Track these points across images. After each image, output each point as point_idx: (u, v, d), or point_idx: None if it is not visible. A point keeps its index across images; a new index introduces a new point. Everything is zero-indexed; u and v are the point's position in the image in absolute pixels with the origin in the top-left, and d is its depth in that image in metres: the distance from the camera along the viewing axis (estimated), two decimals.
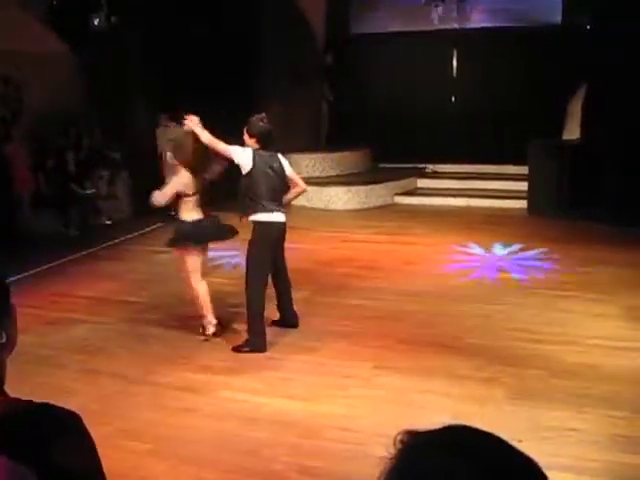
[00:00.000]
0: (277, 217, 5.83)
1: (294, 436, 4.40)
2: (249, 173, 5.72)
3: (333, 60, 13.84)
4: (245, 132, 5.83)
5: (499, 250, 8.83)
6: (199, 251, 6.00)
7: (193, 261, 5.99)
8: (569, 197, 10.51)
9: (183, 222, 5.96)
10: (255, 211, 5.76)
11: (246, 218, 5.85)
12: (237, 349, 5.80)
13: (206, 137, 5.70)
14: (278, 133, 11.18)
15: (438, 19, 13.29)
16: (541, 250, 8.61)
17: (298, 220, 10.63)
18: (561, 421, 4.44)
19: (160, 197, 5.89)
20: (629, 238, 8.80)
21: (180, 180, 5.89)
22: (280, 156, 5.95)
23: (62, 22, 11.00)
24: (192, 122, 5.74)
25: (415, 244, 9.29)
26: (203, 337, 6.09)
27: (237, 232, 6.20)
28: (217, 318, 6.15)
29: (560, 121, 11.64)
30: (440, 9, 13.11)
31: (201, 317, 6.14)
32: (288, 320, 6.25)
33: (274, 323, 6.23)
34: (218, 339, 6.07)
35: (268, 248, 5.79)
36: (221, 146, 5.74)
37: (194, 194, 5.91)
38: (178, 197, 5.91)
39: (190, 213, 5.94)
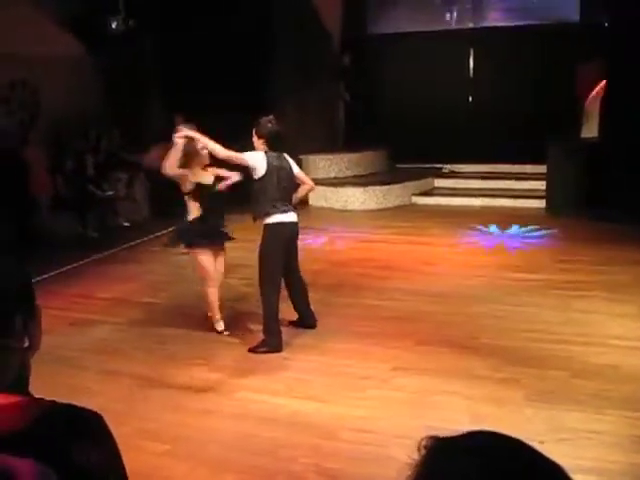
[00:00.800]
0: (290, 217, 5.85)
1: (312, 437, 4.40)
2: (263, 176, 5.74)
3: (350, 60, 13.83)
4: (254, 133, 5.85)
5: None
6: (205, 252, 6.03)
7: (200, 261, 6.06)
8: (588, 196, 10.43)
9: (183, 221, 6.09)
10: (269, 213, 5.77)
11: (260, 220, 5.86)
12: (253, 350, 5.82)
13: (220, 151, 5.75)
14: (292, 134, 11.25)
15: (454, 19, 13.28)
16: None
17: (316, 221, 10.66)
18: (581, 423, 4.40)
19: (168, 166, 5.91)
20: None
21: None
22: (286, 156, 5.98)
23: (80, 25, 11.09)
24: (201, 140, 5.84)
25: (433, 244, 9.27)
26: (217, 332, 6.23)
27: (231, 238, 6.25)
28: (225, 319, 6.26)
29: (578, 120, 11.56)
30: (455, 9, 13.10)
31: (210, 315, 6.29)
32: (305, 321, 6.26)
33: (291, 323, 6.24)
34: (236, 340, 6.09)
35: (281, 248, 5.81)
36: (234, 155, 5.77)
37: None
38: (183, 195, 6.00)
39: (192, 212, 6.01)
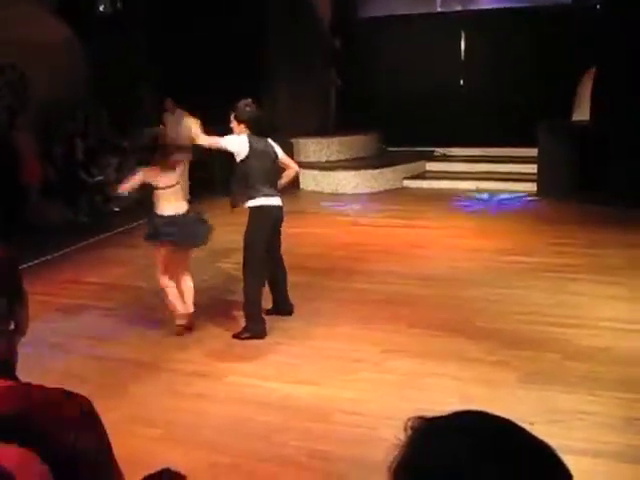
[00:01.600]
0: (275, 201, 5.79)
1: (304, 420, 4.40)
2: (245, 159, 5.68)
3: (340, 44, 13.75)
4: (233, 119, 5.75)
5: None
6: (167, 248, 5.81)
7: (159, 255, 5.89)
8: (579, 179, 10.43)
9: (154, 216, 5.85)
10: (252, 197, 5.72)
11: (240, 206, 5.82)
12: (237, 336, 5.77)
13: (203, 139, 5.80)
14: (284, 118, 11.17)
15: (445, 2, 13.22)
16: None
17: (307, 205, 10.65)
18: (574, 404, 4.42)
19: (123, 187, 5.93)
20: (638, 220, 8.73)
21: (148, 172, 5.79)
22: (270, 140, 5.92)
23: (68, 7, 10.97)
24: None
25: (425, 227, 9.26)
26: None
27: (203, 243, 6.03)
28: (188, 315, 6.01)
29: (570, 103, 11.54)
30: None
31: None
32: (281, 308, 6.17)
33: (268, 312, 6.09)
34: (227, 325, 6.07)
35: (266, 233, 5.75)
36: (214, 140, 5.75)
37: (166, 187, 5.76)
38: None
39: (162, 207, 5.79)
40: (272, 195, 5.78)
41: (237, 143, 5.69)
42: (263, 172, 5.74)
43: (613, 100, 10.10)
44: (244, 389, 4.92)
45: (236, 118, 5.73)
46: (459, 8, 13.30)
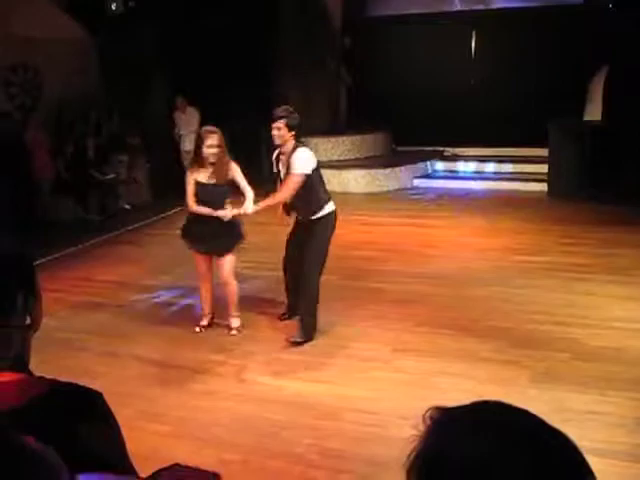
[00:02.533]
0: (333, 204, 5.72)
1: (315, 418, 4.40)
2: (311, 173, 5.48)
3: (351, 43, 13.74)
4: (283, 126, 5.41)
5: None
6: (196, 251, 5.81)
7: (195, 259, 5.90)
8: (590, 179, 10.39)
9: (192, 219, 5.77)
10: (321, 206, 5.55)
11: (314, 214, 5.56)
12: (295, 342, 5.57)
13: (281, 196, 5.53)
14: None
15: (456, 1, 13.18)
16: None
17: None
18: (585, 404, 4.40)
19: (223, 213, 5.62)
20: None
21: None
22: None
23: (80, 6, 11.01)
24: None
25: (435, 227, 9.24)
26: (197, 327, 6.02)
27: (229, 250, 5.75)
28: (212, 314, 6.06)
29: (582, 103, 11.49)
30: None
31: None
32: (294, 311, 6.00)
33: (281, 317, 6.08)
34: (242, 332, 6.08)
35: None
36: (296, 180, 5.42)
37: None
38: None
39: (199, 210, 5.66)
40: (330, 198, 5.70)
41: (309, 162, 5.48)
42: (321, 178, 5.66)
43: (625, 99, 10.05)
44: (255, 387, 4.93)
45: (287, 125, 5.42)
46: (473, 7, 13.25)
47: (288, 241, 5.95)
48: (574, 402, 4.43)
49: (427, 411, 0.91)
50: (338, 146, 12.93)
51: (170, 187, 11.32)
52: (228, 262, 5.75)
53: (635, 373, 4.80)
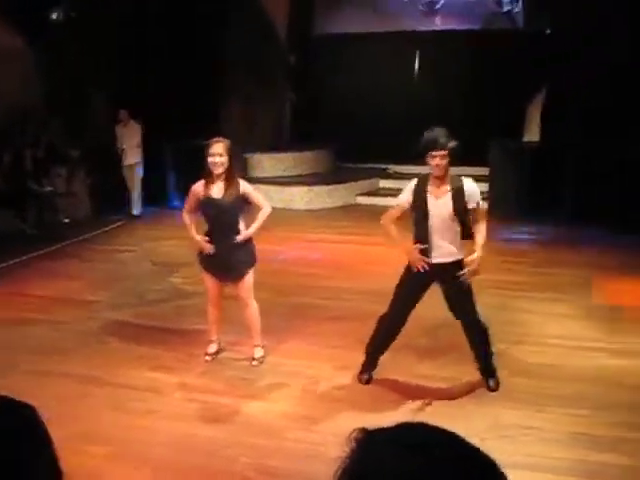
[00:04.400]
0: None
1: (254, 436, 4.36)
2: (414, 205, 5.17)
3: (296, 60, 13.81)
4: (447, 155, 5.01)
5: None
6: (207, 273, 5.48)
7: (204, 280, 5.58)
8: (530, 198, 10.62)
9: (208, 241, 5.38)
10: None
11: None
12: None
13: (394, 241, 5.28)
14: (239, 133, 11.12)
15: (401, 22, 13.38)
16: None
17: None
18: (522, 420, 4.48)
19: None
20: (587, 240, 8.93)
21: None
22: None
23: (19, 16, 10.78)
24: None
25: (377, 244, 9.27)
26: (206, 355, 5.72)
27: (242, 276, 5.40)
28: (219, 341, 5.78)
29: (521, 124, 11.77)
30: (403, 12, 13.20)
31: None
32: None
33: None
34: (177, 339, 6.00)
35: None
36: (398, 209, 5.35)
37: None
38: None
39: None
40: None
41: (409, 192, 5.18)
42: None
43: (562, 121, 10.33)
44: (194, 404, 4.86)
45: (450, 153, 4.98)
46: (418, 28, 13.46)
47: None
48: (510, 417, 4.50)
49: (352, 432, 0.94)
50: (281, 162, 12.94)
51: (111, 201, 11.18)
52: (246, 282, 5.44)
53: (571, 389, 4.90)
